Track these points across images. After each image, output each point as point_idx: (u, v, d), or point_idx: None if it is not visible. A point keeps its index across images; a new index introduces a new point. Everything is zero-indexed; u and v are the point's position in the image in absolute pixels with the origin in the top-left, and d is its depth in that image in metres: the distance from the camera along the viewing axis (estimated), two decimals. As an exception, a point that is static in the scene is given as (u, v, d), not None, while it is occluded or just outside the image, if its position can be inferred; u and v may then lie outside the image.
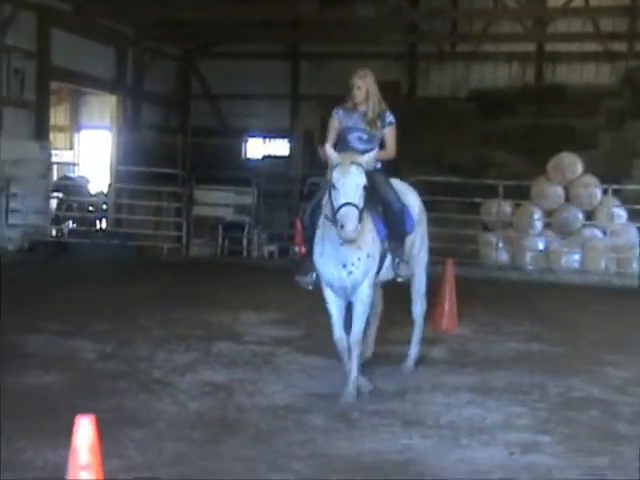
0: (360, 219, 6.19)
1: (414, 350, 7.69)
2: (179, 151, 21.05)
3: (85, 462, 3.16)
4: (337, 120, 7.08)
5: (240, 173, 19.20)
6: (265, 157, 22.98)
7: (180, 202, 18.52)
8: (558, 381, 7.28)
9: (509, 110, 22.11)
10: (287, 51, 25.54)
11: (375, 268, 6.65)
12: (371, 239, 6.57)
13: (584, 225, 18.32)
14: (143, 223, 18.83)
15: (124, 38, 22.31)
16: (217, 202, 19.22)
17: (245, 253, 18.99)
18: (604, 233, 18.07)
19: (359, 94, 6.96)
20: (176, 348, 8.24)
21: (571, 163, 18.40)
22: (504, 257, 18.12)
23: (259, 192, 19.12)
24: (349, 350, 6.65)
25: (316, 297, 11.99)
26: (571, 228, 18.27)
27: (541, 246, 18.17)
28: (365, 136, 7.00)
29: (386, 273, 6.90)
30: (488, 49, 23.86)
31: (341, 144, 6.96)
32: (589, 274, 17.19)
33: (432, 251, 7.59)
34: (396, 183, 7.35)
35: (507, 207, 18.61)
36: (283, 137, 24.36)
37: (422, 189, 18.21)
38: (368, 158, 6.44)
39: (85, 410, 3.60)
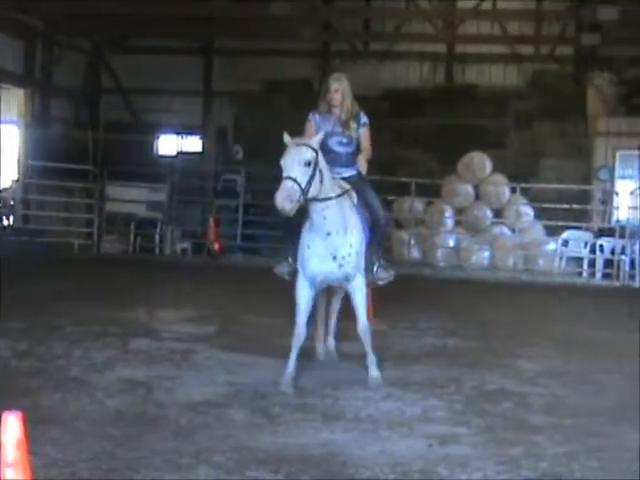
0: (305, 193, 6.42)
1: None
2: (90, 146, 20.70)
3: (12, 459, 3.11)
4: (314, 124, 7.33)
5: (153, 169, 19.02)
6: (179, 153, 22.79)
7: (92, 198, 18.23)
8: (473, 374, 7.44)
9: (421, 109, 22.39)
10: (201, 47, 25.34)
11: (362, 263, 7.02)
12: (360, 239, 6.96)
13: (493, 223, 18.77)
14: (53, 219, 18.49)
15: (33, 31, 21.82)
16: (130, 198, 19.00)
17: (157, 250, 18.83)
18: (512, 231, 18.54)
19: (336, 97, 7.27)
20: (92, 345, 8.11)
21: (481, 162, 18.83)
22: (416, 254, 18.42)
23: (172, 189, 18.98)
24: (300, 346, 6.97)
25: (230, 294, 11.95)
26: (481, 226, 18.69)
27: (452, 243, 18.54)
28: (345, 139, 7.35)
29: None
30: (400, 48, 24.13)
31: (322, 149, 7.02)
32: (498, 271, 17.61)
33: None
34: None
35: (419, 205, 18.92)
36: (196, 134, 24.17)
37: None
38: (318, 138, 6.71)
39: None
